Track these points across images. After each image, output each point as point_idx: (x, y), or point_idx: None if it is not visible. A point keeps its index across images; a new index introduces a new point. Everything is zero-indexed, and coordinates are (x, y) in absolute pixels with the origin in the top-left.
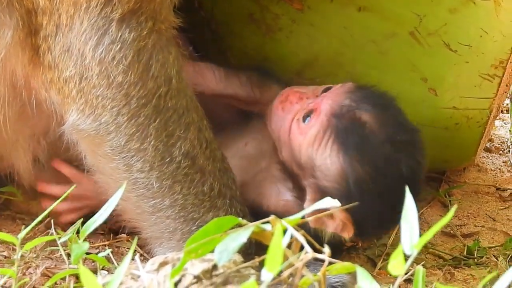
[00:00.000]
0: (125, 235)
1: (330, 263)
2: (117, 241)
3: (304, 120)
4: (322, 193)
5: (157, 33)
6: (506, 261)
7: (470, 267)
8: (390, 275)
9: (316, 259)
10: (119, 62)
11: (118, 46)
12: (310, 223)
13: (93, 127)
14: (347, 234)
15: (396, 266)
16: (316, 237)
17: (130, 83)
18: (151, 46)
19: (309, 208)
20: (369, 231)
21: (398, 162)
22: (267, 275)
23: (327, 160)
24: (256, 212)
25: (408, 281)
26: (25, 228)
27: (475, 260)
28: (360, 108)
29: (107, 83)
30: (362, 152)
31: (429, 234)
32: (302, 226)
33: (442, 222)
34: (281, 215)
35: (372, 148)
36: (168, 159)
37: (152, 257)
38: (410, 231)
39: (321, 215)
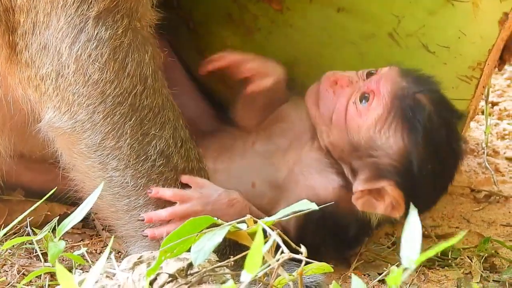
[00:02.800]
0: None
1: (306, 263)
2: (92, 240)
3: (361, 102)
4: (377, 172)
5: (133, 31)
6: (480, 262)
7: (444, 268)
8: (364, 275)
9: (292, 259)
10: (95, 60)
11: (94, 44)
12: (358, 206)
13: (69, 125)
14: (398, 214)
15: (394, 278)
16: (364, 224)
17: (106, 81)
18: (127, 44)
19: (358, 186)
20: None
21: (451, 143)
22: (246, 276)
23: (390, 139)
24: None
25: (382, 281)
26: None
27: (449, 261)
28: (419, 91)
29: (83, 81)
30: (425, 133)
31: (430, 253)
32: (346, 212)
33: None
34: (333, 204)
35: (432, 130)
36: (143, 158)
37: (127, 255)
38: (411, 245)
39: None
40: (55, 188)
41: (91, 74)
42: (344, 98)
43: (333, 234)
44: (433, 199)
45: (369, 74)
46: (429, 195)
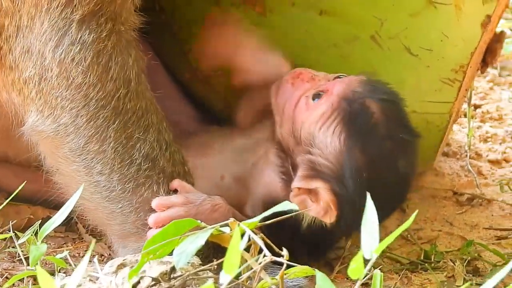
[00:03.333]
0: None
1: (289, 266)
2: (76, 243)
3: (313, 99)
4: (315, 171)
5: (117, 34)
6: (463, 265)
7: (427, 271)
8: (347, 278)
9: (275, 262)
10: (79, 63)
11: (78, 47)
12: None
13: (52, 128)
14: (329, 219)
15: (356, 270)
16: (294, 226)
17: (89, 84)
18: (110, 47)
19: (296, 182)
20: (349, 222)
21: (395, 159)
22: (225, 277)
23: (328, 138)
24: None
25: (366, 285)
26: None
27: (432, 264)
28: (371, 98)
29: (66, 84)
30: (364, 140)
31: (388, 239)
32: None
33: (402, 228)
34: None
35: (374, 139)
36: (128, 161)
37: (110, 259)
38: (370, 236)
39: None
40: (22, 185)
41: (74, 78)
42: (300, 91)
43: (292, 237)
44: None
45: (336, 78)
46: (361, 209)
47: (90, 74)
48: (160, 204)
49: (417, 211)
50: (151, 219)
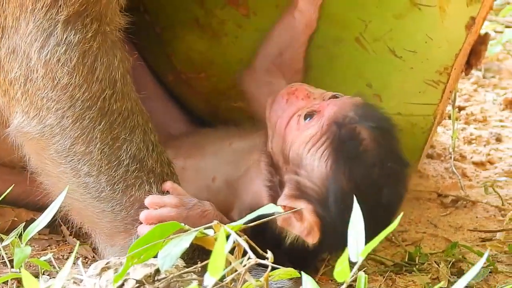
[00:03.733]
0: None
1: (273, 269)
2: (60, 246)
3: (305, 118)
4: (300, 192)
5: (102, 35)
6: (447, 267)
7: (411, 273)
8: (332, 280)
9: (259, 265)
10: (64, 64)
11: (64, 48)
12: (278, 220)
13: (38, 130)
14: (312, 240)
15: (341, 273)
16: (277, 238)
17: (75, 85)
18: (96, 48)
19: (281, 200)
20: (332, 244)
21: (381, 188)
22: (210, 280)
23: (315, 161)
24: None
25: (350, 287)
26: None
27: (417, 266)
28: (362, 124)
29: (52, 85)
30: (351, 167)
31: (374, 242)
32: (266, 223)
33: (387, 230)
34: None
35: (361, 166)
36: (115, 163)
37: (94, 261)
38: (356, 238)
39: (288, 213)
40: (10, 189)
41: (60, 78)
42: (293, 108)
43: (275, 248)
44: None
45: (332, 97)
46: (343, 233)
47: (76, 75)
48: (153, 202)
49: (402, 213)
50: (143, 215)
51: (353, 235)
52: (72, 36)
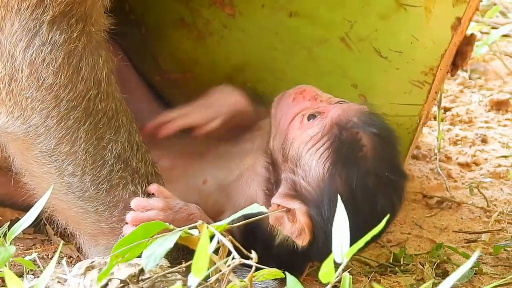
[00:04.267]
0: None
1: (257, 269)
2: (44, 245)
3: (308, 119)
4: (295, 192)
5: (87, 35)
6: (432, 268)
7: (396, 274)
8: (316, 281)
9: (244, 265)
10: (49, 64)
11: (49, 48)
12: (270, 219)
13: (23, 130)
14: (301, 242)
15: (327, 274)
16: (267, 237)
17: (60, 85)
18: (81, 48)
19: (275, 198)
20: (321, 248)
21: (376, 196)
22: (193, 280)
23: (313, 162)
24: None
25: (334, 287)
26: None
27: (401, 267)
28: (365, 131)
29: (37, 85)
30: (347, 171)
31: (359, 244)
32: (256, 222)
33: (373, 232)
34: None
35: (359, 172)
36: (100, 163)
37: (79, 261)
38: (341, 240)
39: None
40: None
41: (45, 78)
42: (298, 108)
43: (264, 249)
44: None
45: (339, 102)
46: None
47: (61, 75)
48: (139, 205)
49: (388, 215)
50: (129, 216)
51: (338, 236)
52: (57, 36)
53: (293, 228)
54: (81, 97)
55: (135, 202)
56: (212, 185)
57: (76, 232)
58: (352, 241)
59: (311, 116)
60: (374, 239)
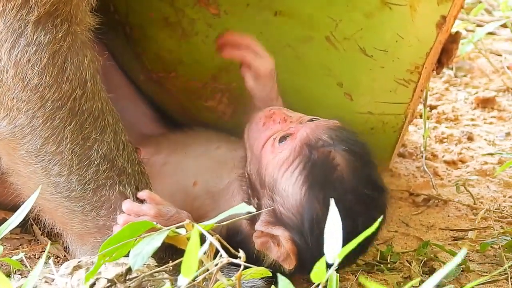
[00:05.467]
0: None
1: (245, 268)
2: (31, 245)
3: (279, 141)
4: (276, 219)
5: (72, 35)
6: (419, 266)
7: (383, 272)
8: (303, 279)
9: (230, 264)
10: (34, 65)
11: (34, 49)
12: (256, 244)
13: (8, 130)
14: (288, 266)
15: (318, 274)
16: (256, 259)
17: (45, 85)
18: (66, 48)
19: (258, 226)
20: (308, 269)
21: (356, 215)
22: (183, 280)
23: (290, 188)
24: (231, 231)
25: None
26: None
27: (388, 265)
28: (337, 149)
29: (22, 86)
30: (325, 194)
31: (351, 245)
32: (245, 243)
33: (366, 233)
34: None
35: (336, 193)
36: (86, 162)
37: (66, 260)
38: (333, 240)
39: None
40: None
41: (30, 79)
42: (269, 132)
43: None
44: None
45: (310, 120)
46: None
47: (46, 75)
48: (131, 210)
49: (382, 216)
50: (121, 219)
51: (330, 237)
52: (42, 36)
53: (279, 252)
54: (67, 97)
55: (126, 206)
56: (201, 189)
57: (63, 231)
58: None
59: (282, 139)
60: (359, 253)
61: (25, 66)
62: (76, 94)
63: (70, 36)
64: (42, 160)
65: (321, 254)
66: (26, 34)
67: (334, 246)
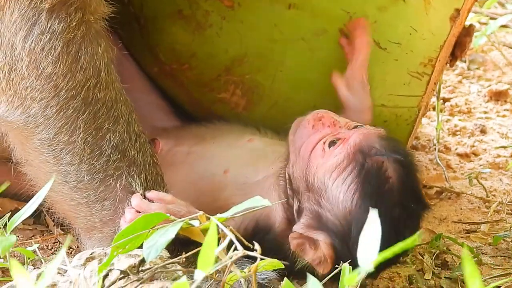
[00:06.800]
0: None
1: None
2: (44, 236)
3: (329, 146)
4: (319, 223)
5: (86, 24)
6: (431, 259)
7: (395, 264)
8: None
9: (244, 256)
10: (48, 53)
11: (48, 37)
12: (292, 245)
13: (22, 119)
14: (322, 270)
15: (350, 278)
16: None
17: (59, 74)
18: (80, 37)
19: (298, 228)
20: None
21: (403, 228)
22: (199, 274)
23: (340, 195)
24: (261, 227)
25: (334, 277)
26: None
27: (401, 258)
28: (389, 160)
29: (36, 74)
30: (376, 205)
31: (389, 252)
32: (281, 245)
33: (405, 245)
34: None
35: (386, 204)
36: (97, 152)
37: (79, 251)
38: (370, 245)
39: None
40: (9, 183)
41: (44, 68)
42: (319, 135)
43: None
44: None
45: (355, 127)
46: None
47: (60, 64)
48: (140, 207)
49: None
50: (129, 216)
51: (366, 241)
52: (56, 25)
53: (315, 256)
54: (80, 87)
55: (135, 202)
56: (232, 178)
57: (72, 224)
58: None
59: (332, 143)
60: (392, 262)
61: (39, 54)
62: (90, 83)
63: (84, 25)
64: (55, 150)
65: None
66: (40, 22)
67: (369, 253)
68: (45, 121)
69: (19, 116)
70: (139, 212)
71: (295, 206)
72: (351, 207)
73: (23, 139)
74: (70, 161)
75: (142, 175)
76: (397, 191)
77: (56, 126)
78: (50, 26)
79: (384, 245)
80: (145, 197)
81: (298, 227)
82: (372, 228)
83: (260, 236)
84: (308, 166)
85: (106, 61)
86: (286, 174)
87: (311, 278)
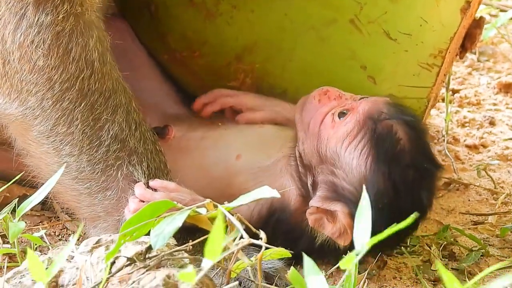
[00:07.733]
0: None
1: (265, 249)
2: (51, 222)
3: (339, 117)
4: (336, 194)
5: (75, 16)
6: (439, 250)
7: (403, 255)
8: (323, 259)
9: (250, 244)
10: (38, 46)
11: (36, 30)
12: (309, 220)
13: (20, 112)
14: (344, 242)
15: (347, 261)
16: (310, 238)
17: (51, 67)
18: (69, 29)
19: (314, 202)
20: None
21: (419, 189)
22: (207, 262)
23: (354, 161)
24: (276, 208)
25: (338, 268)
26: None
27: (408, 248)
28: (398, 122)
29: (29, 68)
30: (389, 167)
31: (382, 235)
32: (299, 224)
33: (398, 226)
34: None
35: (399, 166)
36: (96, 143)
37: (85, 238)
38: (363, 228)
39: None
40: (23, 172)
41: (36, 61)
42: (326, 108)
43: (284, 243)
44: (385, 242)
45: (361, 98)
46: (378, 232)
47: (51, 57)
48: (143, 196)
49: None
50: (133, 206)
51: (360, 224)
52: (43, 17)
53: (334, 229)
54: (75, 78)
55: (139, 192)
56: (245, 163)
57: (76, 214)
58: (391, 237)
59: (341, 114)
60: (410, 231)
61: (29, 47)
62: (84, 74)
63: (72, 17)
64: (54, 141)
65: (379, 229)
66: (27, 15)
67: (363, 233)
68: (42, 113)
69: (17, 109)
70: (143, 202)
71: (309, 181)
72: (366, 171)
73: (22, 131)
74: (70, 152)
75: (144, 164)
76: (409, 152)
77: (54, 118)
78: (38, 19)
79: (402, 210)
80: (148, 186)
81: (314, 201)
82: (364, 211)
83: (276, 217)
84: (319, 139)
85: (100, 51)
86: (297, 152)
87: (306, 257)
